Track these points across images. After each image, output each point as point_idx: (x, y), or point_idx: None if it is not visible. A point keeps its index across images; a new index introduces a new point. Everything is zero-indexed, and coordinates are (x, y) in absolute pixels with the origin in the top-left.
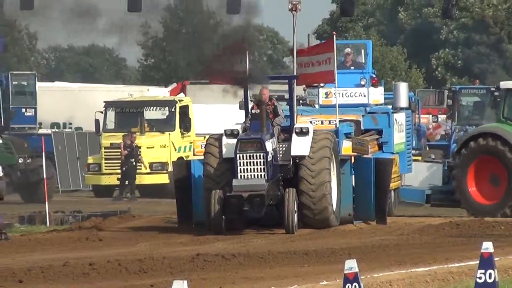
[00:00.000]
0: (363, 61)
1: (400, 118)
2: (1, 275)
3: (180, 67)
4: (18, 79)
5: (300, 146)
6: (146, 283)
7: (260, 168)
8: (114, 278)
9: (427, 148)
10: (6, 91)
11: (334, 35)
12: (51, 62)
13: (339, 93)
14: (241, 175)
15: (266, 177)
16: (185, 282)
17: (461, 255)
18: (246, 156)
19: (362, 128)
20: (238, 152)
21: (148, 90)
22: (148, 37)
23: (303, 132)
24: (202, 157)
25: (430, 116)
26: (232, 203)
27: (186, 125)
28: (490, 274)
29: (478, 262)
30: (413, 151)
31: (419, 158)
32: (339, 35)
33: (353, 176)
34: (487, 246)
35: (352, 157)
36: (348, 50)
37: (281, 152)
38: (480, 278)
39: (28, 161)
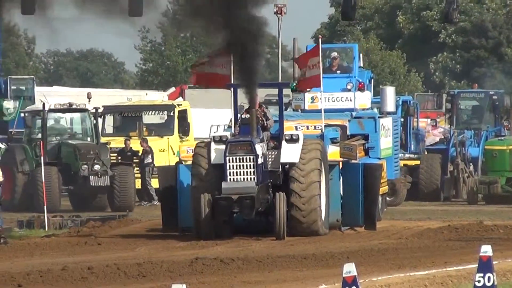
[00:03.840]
0: (360, 64)
1: (386, 123)
2: (0, 279)
3: (178, 72)
4: (16, 83)
5: (290, 153)
6: (144, 287)
7: (250, 171)
8: (112, 282)
9: (426, 152)
10: (5, 95)
11: (320, 39)
12: (50, 67)
13: (325, 98)
14: (230, 178)
15: (256, 180)
16: (184, 286)
17: (459, 259)
18: (236, 159)
19: (348, 133)
20: (227, 155)
21: (146, 94)
22: (147, 41)
23: (293, 140)
24: (188, 162)
25: (429, 120)
26: (221, 206)
27: (184, 129)
28: (489, 277)
29: (476, 265)
30: (412, 155)
31: (418, 162)
32: (338, 39)
33: (341, 181)
34: (486, 250)
35: (340, 163)
36: (335, 54)
37: (270, 159)
38: (478, 281)
39: (95, 168)
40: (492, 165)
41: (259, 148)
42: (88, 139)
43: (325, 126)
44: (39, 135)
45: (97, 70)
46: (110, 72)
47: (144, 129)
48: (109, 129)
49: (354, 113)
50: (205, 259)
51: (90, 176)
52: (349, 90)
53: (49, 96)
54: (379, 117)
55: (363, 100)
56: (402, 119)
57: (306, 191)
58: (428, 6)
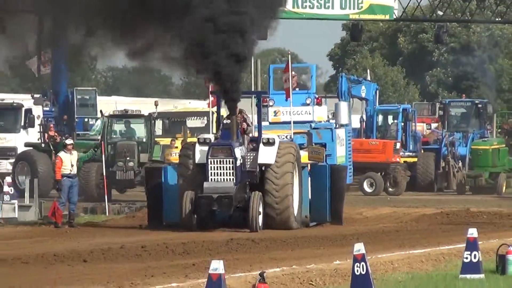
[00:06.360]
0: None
1: (341, 133)
2: (68, 256)
3: None
4: (81, 93)
5: (266, 155)
6: (189, 263)
7: (229, 173)
8: (162, 258)
9: (422, 151)
10: (72, 103)
11: (289, 55)
12: (109, 80)
13: (287, 112)
14: (211, 179)
15: (234, 181)
16: (221, 261)
17: (450, 239)
18: (217, 161)
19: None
20: (209, 157)
21: (190, 102)
22: None
23: (269, 143)
24: (171, 164)
25: (424, 124)
26: (202, 203)
27: None
28: (475, 255)
29: (464, 245)
30: (411, 153)
31: (416, 159)
32: (348, 57)
33: (309, 181)
34: (472, 232)
35: (308, 165)
36: (292, 73)
37: (249, 160)
38: (466, 258)
39: (129, 164)
40: (477, 161)
41: (238, 152)
42: (144, 140)
43: (293, 133)
44: (109, 138)
45: (148, 82)
46: (159, 85)
47: (188, 131)
48: (158, 131)
49: (313, 125)
50: (239, 239)
51: (117, 171)
52: (308, 105)
53: (108, 104)
54: (335, 128)
55: (320, 113)
56: (403, 124)
57: (280, 192)
58: (424, 30)
